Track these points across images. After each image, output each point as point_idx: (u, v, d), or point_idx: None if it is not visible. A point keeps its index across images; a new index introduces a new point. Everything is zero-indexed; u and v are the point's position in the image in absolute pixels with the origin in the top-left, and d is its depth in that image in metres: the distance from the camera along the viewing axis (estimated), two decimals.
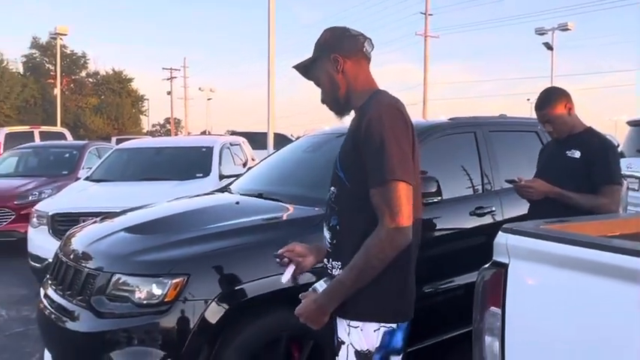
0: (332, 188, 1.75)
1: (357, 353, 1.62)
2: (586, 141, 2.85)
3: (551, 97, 2.89)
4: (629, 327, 1.21)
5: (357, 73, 1.73)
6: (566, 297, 1.34)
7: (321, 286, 1.67)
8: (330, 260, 1.73)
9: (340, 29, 1.78)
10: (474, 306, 1.58)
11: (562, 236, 1.38)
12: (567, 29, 26.56)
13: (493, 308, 1.49)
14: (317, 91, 2.27)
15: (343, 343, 1.65)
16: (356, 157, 1.61)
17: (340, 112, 1.79)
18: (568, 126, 2.88)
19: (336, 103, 1.77)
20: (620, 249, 1.25)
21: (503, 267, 1.48)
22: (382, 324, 1.60)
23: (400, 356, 1.66)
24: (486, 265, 1.55)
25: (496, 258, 1.52)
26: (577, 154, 2.81)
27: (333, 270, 1.70)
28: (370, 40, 1.78)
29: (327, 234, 1.77)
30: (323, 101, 1.80)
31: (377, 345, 1.60)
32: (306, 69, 1.81)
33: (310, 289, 1.70)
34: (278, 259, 1.89)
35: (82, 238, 3.18)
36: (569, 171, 2.82)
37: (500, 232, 1.53)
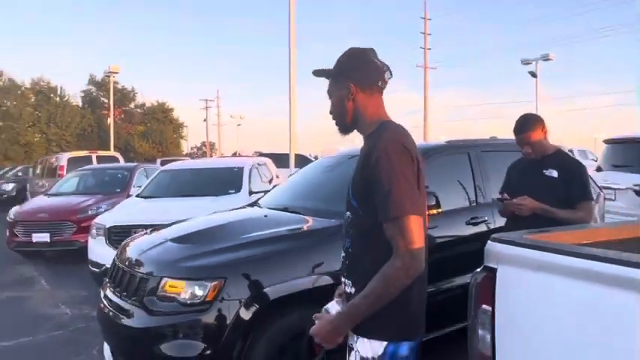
0: (347, 213, 1.65)
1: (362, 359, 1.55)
2: (561, 161, 2.85)
3: (529, 123, 2.87)
4: (597, 323, 1.23)
5: (367, 104, 1.61)
6: (546, 297, 1.35)
7: (333, 307, 1.61)
8: (345, 277, 1.67)
9: (362, 56, 1.63)
10: (468, 304, 1.60)
11: (542, 245, 1.40)
12: (549, 59, 26.34)
13: (484, 306, 1.51)
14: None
15: (352, 349, 1.58)
16: (365, 187, 1.52)
17: (344, 131, 1.69)
18: (544, 148, 2.87)
19: (341, 123, 1.67)
20: (589, 255, 1.28)
21: (492, 271, 1.50)
22: (389, 341, 1.52)
23: None
24: (479, 270, 1.57)
25: (487, 263, 1.53)
26: (555, 173, 2.80)
27: (346, 287, 1.64)
28: (390, 71, 1.64)
29: (342, 253, 1.70)
30: (330, 113, 1.69)
31: (379, 353, 1.51)
32: (326, 75, 1.70)
33: (323, 309, 1.64)
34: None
35: (135, 247, 3.24)
36: (548, 188, 2.79)
37: (489, 241, 1.55)
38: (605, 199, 5.02)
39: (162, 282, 2.67)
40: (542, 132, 2.86)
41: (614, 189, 6.17)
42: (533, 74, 26.68)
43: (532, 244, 1.41)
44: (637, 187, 5.87)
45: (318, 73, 1.70)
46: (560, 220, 2.64)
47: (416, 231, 1.44)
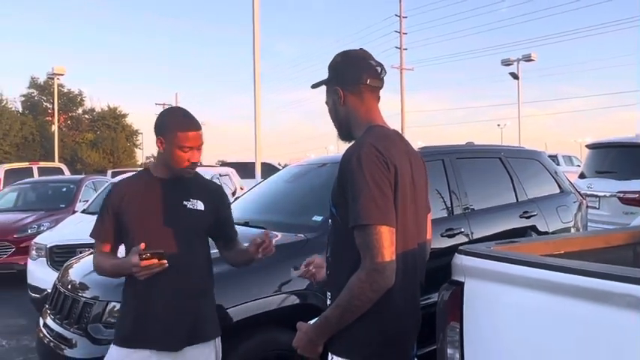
0: (329, 220, 1.70)
1: None
2: (206, 187, 2.24)
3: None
4: (570, 337, 1.29)
5: (358, 106, 1.67)
6: (516, 311, 1.41)
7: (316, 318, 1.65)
8: (327, 289, 1.70)
9: (344, 57, 1.70)
10: (437, 321, 1.64)
11: (510, 257, 1.46)
12: (531, 60, 27.13)
13: (453, 323, 1.55)
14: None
15: None
16: (340, 193, 1.56)
17: (343, 138, 1.75)
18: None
19: (339, 129, 1.75)
20: (558, 267, 1.34)
21: (459, 285, 1.55)
22: None
23: None
24: (445, 284, 1.61)
25: (453, 277, 1.58)
26: (200, 205, 2.12)
27: (328, 300, 1.67)
28: (379, 69, 1.68)
29: (326, 264, 1.74)
30: (333, 122, 1.77)
31: None
32: (323, 84, 1.76)
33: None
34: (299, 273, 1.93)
35: (79, 269, 3.18)
36: (193, 228, 2.14)
37: (456, 254, 1.59)
38: (588, 207, 5.21)
39: (109, 307, 2.62)
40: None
41: (598, 196, 6.40)
42: (515, 76, 27.43)
43: (500, 256, 1.47)
44: (621, 195, 6.09)
45: (315, 85, 1.78)
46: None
47: (383, 243, 1.44)
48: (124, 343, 2.04)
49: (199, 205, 2.11)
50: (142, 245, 1.89)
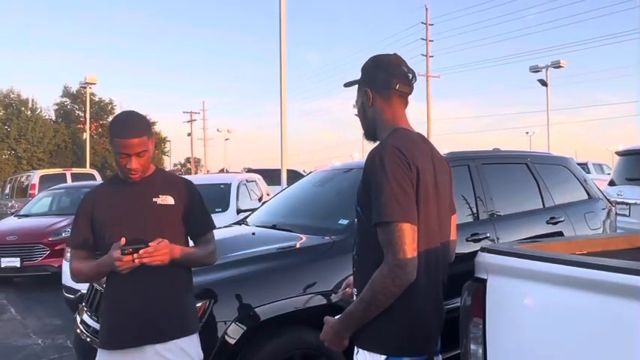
0: (355, 220, 1.76)
1: None
2: (171, 182, 2.26)
3: (145, 123, 2.08)
4: (590, 331, 1.32)
5: (385, 109, 1.73)
6: (536, 307, 1.45)
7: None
8: (354, 287, 1.77)
9: (377, 61, 1.76)
10: (460, 317, 1.69)
11: (532, 254, 1.50)
12: (560, 66, 26.71)
13: (476, 319, 1.60)
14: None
15: None
16: (365, 193, 1.62)
17: (369, 138, 1.82)
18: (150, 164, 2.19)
19: (365, 129, 1.82)
20: (581, 263, 1.37)
21: (482, 282, 1.59)
22: (387, 356, 1.59)
23: None
24: (468, 282, 1.66)
25: (477, 274, 1.63)
26: (171, 199, 2.17)
27: (354, 297, 1.73)
28: (410, 76, 1.74)
29: (352, 262, 1.80)
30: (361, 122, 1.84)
31: None
32: (355, 84, 1.83)
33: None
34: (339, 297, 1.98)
35: None
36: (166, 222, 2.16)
37: (479, 252, 1.64)
38: (617, 214, 5.14)
39: None
40: (152, 142, 2.11)
41: (629, 204, 6.30)
42: (544, 82, 27.06)
43: (522, 253, 1.51)
44: None
45: (348, 84, 1.85)
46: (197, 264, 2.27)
47: (405, 239, 1.50)
48: (111, 345, 2.07)
49: (169, 200, 2.14)
50: (123, 240, 1.91)
